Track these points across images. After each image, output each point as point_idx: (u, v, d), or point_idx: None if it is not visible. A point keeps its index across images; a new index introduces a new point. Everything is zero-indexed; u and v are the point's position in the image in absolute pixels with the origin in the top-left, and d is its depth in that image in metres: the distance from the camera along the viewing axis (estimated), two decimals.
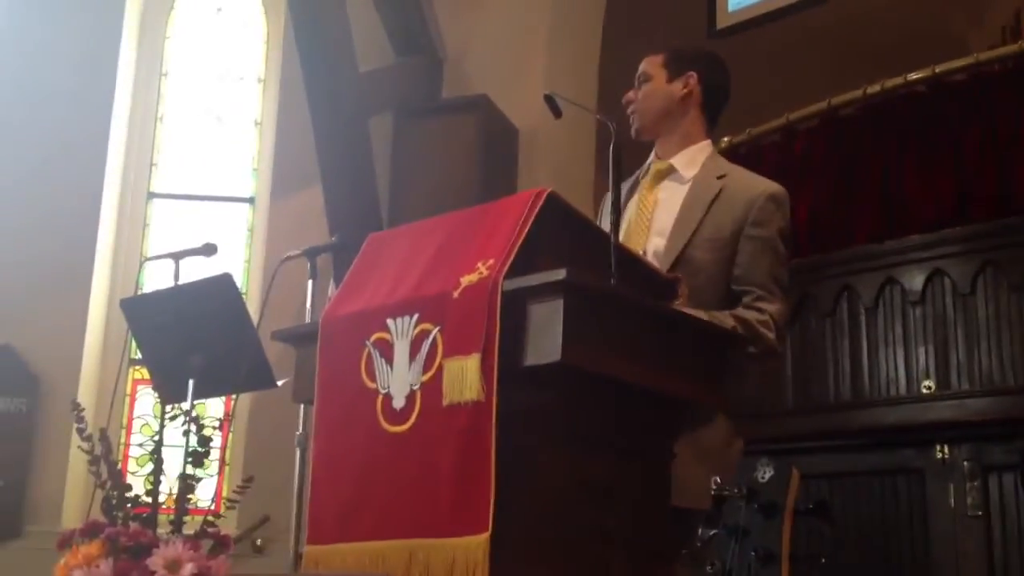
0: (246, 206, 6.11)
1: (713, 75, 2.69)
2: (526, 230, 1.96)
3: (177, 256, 3.47)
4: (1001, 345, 3.42)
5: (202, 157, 6.17)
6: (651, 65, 2.69)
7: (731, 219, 2.49)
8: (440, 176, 5.14)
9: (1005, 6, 5.38)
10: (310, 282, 3.45)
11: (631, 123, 2.69)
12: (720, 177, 2.57)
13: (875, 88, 4.17)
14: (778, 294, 2.48)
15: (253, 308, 4.50)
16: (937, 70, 4.05)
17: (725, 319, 2.37)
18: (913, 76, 4.10)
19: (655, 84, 2.67)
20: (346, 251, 3.00)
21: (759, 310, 2.43)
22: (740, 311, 2.43)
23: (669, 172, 2.64)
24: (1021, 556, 3.26)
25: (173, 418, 3.27)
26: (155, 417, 4.80)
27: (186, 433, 3.13)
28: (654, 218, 2.57)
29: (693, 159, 2.63)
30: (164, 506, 3.12)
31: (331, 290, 3.91)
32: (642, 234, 2.55)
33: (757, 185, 2.57)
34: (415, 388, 1.99)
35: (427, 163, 5.22)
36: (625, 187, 2.71)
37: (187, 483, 3.07)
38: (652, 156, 2.71)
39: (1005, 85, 3.88)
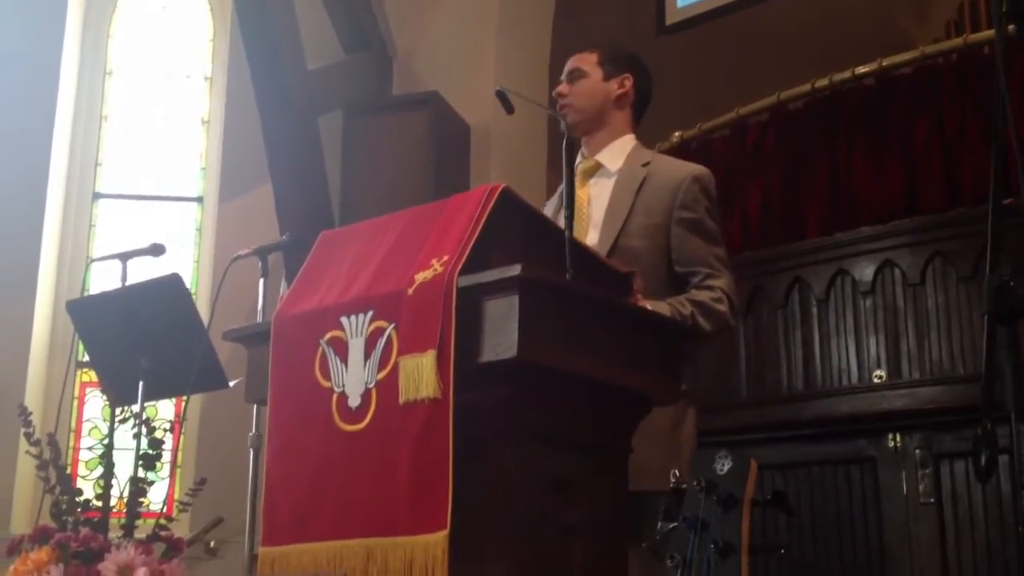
0: (194, 205, 6.04)
1: (643, 79, 2.81)
2: (480, 226, 1.95)
3: (124, 257, 3.42)
4: (951, 334, 3.47)
5: (149, 156, 6.08)
6: (585, 62, 2.76)
7: (660, 204, 2.58)
8: (391, 173, 5.11)
9: (948, 2, 5.47)
10: (261, 281, 3.41)
11: (563, 116, 2.70)
12: (645, 165, 2.66)
13: (823, 82, 4.20)
14: (722, 269, 2.57)
15: (203, 308, 4.45)
16: (884, 63, 4.10)
17: (682, 306, 2.44)
18: (861, 69, 4.14)
19: (591, 81, 2.73)
20: (297, 249, 2.97)
21: (710, 288, 2.52)
22: (693, 293, 2.51)
23: (596, 168, 2.72)
24: (973, 542, 3.31)
25: (123, 421, 3.23)
26: (104, 420, 4.73)
27: (136, 436, 3.09)
28: (590, 214, 2.64)
29: (619, 152, 2.71)
30: (115, 510, 3.08)
31: (283, 289, 3.86)
32: (581, 232, 2.59)
33: (681, 169, 2.67)
34: (370, 386, 1.97)
35: (378, 160, 5.19)
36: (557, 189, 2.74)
37: (138, 486, 3.03)
38: (579, 156, 2.77)
39: (951, 78, 3.94)
